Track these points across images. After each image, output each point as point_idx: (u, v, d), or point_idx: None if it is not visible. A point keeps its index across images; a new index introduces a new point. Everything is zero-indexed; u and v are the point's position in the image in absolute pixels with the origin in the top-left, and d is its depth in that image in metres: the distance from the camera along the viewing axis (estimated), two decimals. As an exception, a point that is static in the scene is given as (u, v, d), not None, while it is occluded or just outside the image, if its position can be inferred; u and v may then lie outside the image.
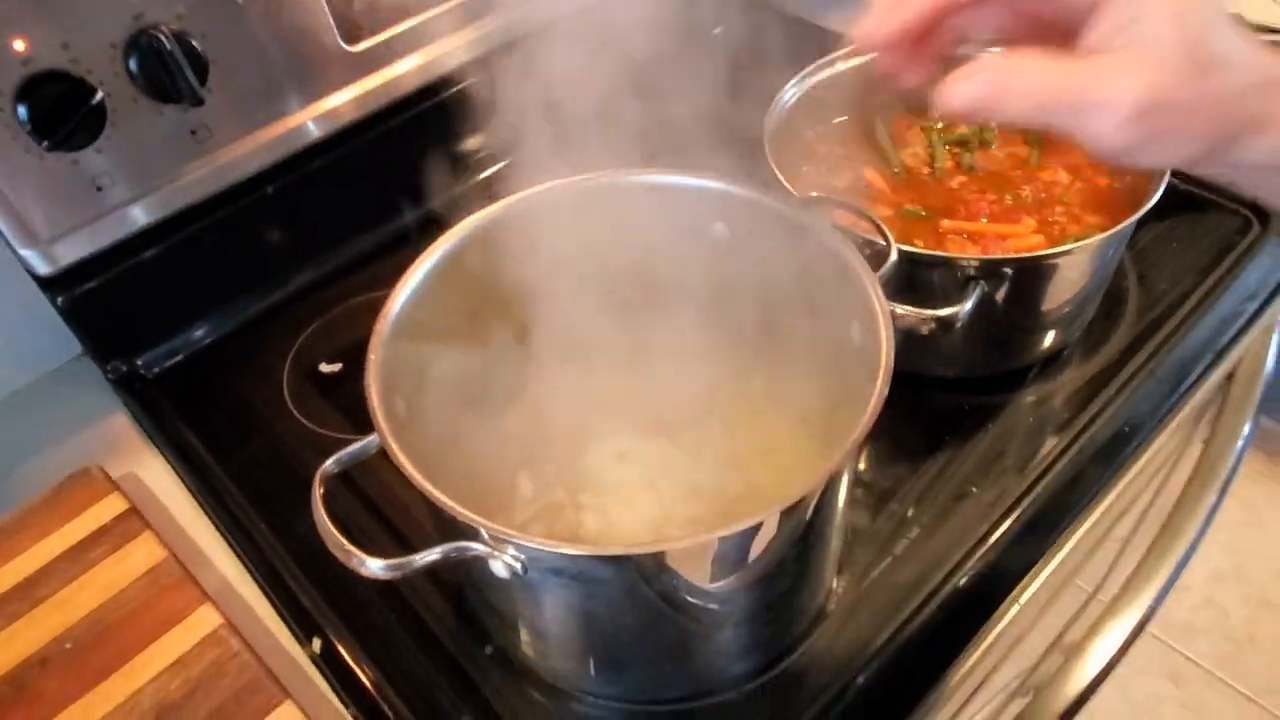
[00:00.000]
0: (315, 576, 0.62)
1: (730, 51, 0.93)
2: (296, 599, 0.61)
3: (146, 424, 0.73)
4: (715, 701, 0.55)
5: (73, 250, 0.69)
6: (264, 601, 0.62)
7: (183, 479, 0.69)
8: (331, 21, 0.74)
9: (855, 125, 0.81)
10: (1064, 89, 0.37)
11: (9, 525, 0.63)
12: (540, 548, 0.43)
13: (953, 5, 0.41)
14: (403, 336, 0.54)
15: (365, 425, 0.72)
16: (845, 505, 0.54)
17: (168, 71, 0.65)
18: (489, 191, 0.72)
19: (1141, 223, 0.72)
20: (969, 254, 0.68)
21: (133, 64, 0.65)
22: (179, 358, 0.78)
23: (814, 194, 0.62)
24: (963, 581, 0.60)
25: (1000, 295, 0.64)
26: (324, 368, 0.77)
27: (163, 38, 0.64)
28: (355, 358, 0.77)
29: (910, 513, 0.64)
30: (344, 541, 0.45)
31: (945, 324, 0.59)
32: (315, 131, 0.77)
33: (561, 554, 0.44)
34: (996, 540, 0.62)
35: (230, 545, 0.65)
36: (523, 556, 0.44)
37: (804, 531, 0.49)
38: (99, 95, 0.63)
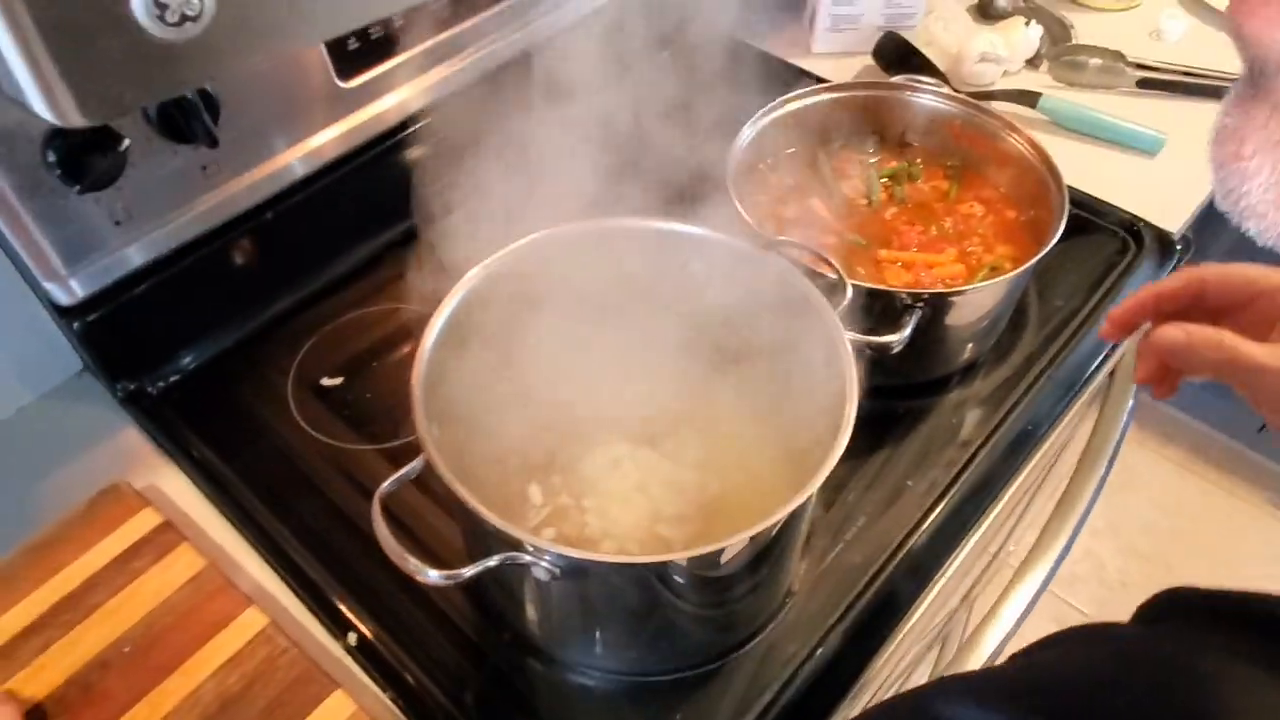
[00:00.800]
0: (341, 577, 0.70)
1: (681, 75, 1.02)
2: (327, 598, 0.69)
3: (161, 438, 0.78)
4: (702, 671, 0.66)
5: (92, 282, 0.73)
6: (295, 601, 0.69)
7: (200, 488, 0.75)
8: (328, 60, 0.80)
9: (801, 157, 0.91)
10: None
11: (49, 540, 0.68)
12: (574, 556, 0.52)
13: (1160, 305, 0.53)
14: (432, 374, 0.61)
15: (370, 435, 0.80)
16: (810, 511, 0.65)
17: (185, 116, 0.70)
18: (473, 210, 0.80)
19: (1041, 246, 0.84)
20: (903, 280, 0.79)
21: (151, 110, 0.70)
22: (183, 375, 0.83)
23: (779, 237, 0.71)
24: (903, 559, 0.71)
25: (930, 319, 0.75)
26: (325, 381, 0.83)
27: (181, 85, 0.69)
28: (355, 371, 0.85)
29: (858, 504, 0.75)
30: (406, 554, 0.53)
31: (888, 349, 0.70)
32: (312, 162, 0.83)
33: (591, 560, 0.54)
34: (930, 524, 0.74)
35: (257, 551, 0.72)
36: (560, 565, 0.53)
37: (778, 537, 0.59)
38: (125, 143, 0.68)
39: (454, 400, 0.64)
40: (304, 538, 0.72)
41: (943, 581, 0.73)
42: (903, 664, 0.90)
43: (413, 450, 0.57)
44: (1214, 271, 0.52)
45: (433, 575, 0.53)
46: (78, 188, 0.67)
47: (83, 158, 0.67)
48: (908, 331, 0.71)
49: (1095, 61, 1.12)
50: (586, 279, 0.70)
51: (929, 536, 0.73)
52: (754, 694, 0.65)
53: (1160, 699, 0.29)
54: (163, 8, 0.36)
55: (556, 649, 0.66)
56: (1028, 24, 1.13)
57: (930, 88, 0.89)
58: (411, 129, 0.90)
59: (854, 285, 0.68)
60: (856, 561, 0.71)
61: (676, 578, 0.57)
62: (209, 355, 0.84)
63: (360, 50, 0.82)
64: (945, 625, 1.03)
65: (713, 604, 0.62)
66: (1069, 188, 0.95)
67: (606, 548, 0.64)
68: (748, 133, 0.84)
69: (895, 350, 0.70)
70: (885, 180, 0.88)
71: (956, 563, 0.74)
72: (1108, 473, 0.95)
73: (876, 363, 0.80)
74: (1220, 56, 1.15)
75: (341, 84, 0.82)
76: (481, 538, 0.56)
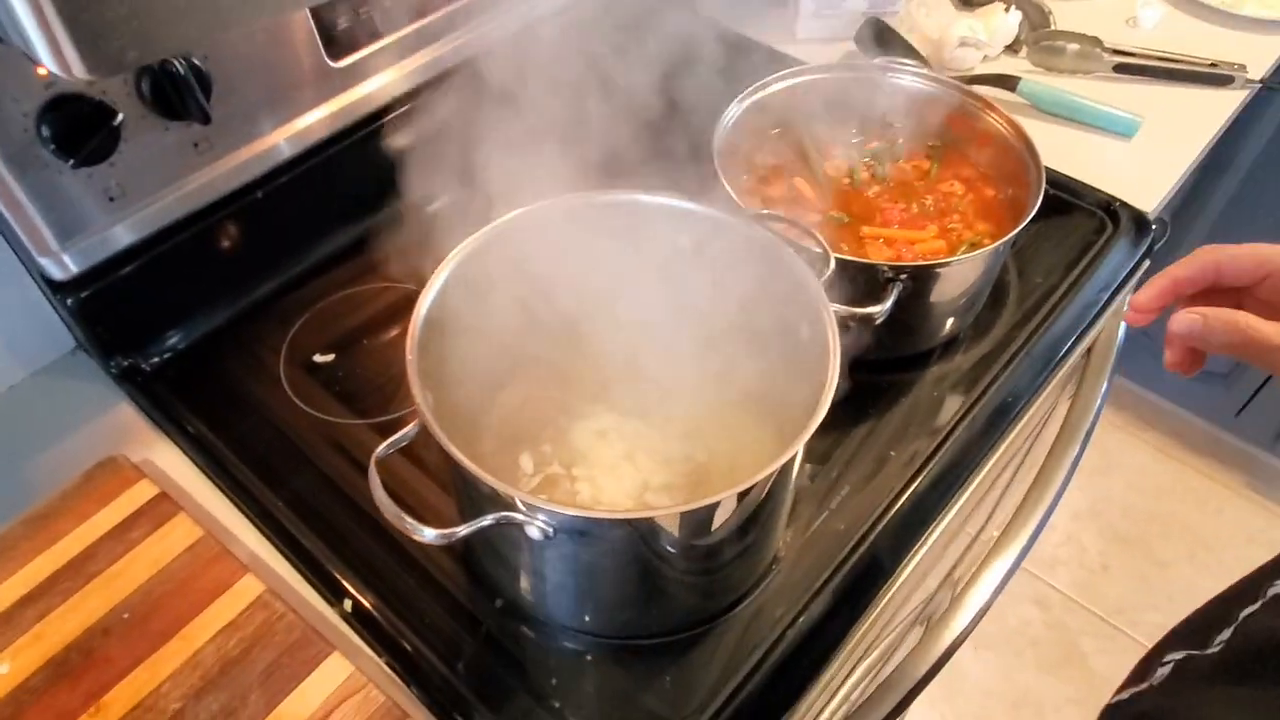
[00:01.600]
0: (336, 546, 0.71)
1: (666, 60, 1.03)
2: (321, 565, 0.70)
3: (155, 413, 0.79)
4: (691, 635, 0.68)
5: (85, 257, 0.74)
6: (291, 570, 0.70)
7: (195, 462, 0.76)
8: (319, 41, 0.81)
9: (786, 138, 0.93)
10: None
11: (47, 511, 0.69)
12: (566, 512, 0.54)
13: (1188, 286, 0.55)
14: (425, 343, 0.62)
15: (361, 410, 0.82)
16: (794, 477, 0.66)
17: (178, 92, 0.71)
18: (462, 189, 0.81)
19: (1020, 225, 0.86)
20: (885, 256, 0.81)
21: (145, 86, 0.70)
22: (176, 352, 0.84)
23: (764, 211, 0.73)
24: (886, 526, 0.73)
25: (911, 292, 0.77)
26: (317, 358, 0.84)
27: (175, 61, 0.70)
28: (346, 347, 0.86)
29: (842, 474, 0.77)
30: (402, 513, 0.55)
31: (871, 320, 0.72)
32: (302, 141, 0.84)
33: (584, 517, 0.55)
34: (911, 494, 0.76)
35: (251, 521, 0.73)
36: (554, 522, 0.54)
37: (765, 500, 0.61)
38: (119, 118, 0.69)
39: (446, 373, 0.65)
40: (298, 509, 0.73)
41: (925, 548, 0.75)
42: (887, 640, 0.92)
43: (405, 424, 0.58)
44: (1227, 253, 0.54)
45: (428, 534, 0.54)
46: (72, 162, 0.68)
47: (77, 132, 0.68)
48: (889, 303, 0.73)
49: (1073, 47, 1.14)
50: (575, 253, 0.71)
51: (911, 504, 0.75)
52: (741, 657, 0.66)
53: None
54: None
55: (547, 613, 0.67)
56: (1007, 10, 1.16)
57: (911, 69, 0.91)
58: (401, 110, 0.91)
59: (837, 258, 0.70)
60: (840, 529, 0.73)
61: (666, 539, 0.58)
62: (201, 332, 0.85)
63: (351, 30, 0.83)
64: (927, 606, 1.05)
65: (701, 567, 0.64)
66: (1047, 168, 0.97)
67: (597, 514, 0.66)
68: (733, 112, 0.86)
69: (878, 321, 0.72)
70: (868, 160, 0.90)
71: (939, 530, 0.76)
72: (1083, 450, 0.96)
73: (860, 337, 0.82)
74: (1194, 42, 1.18)
75: (332, 64, 0.83)
76: (475, 499, 0.58)
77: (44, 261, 0.72)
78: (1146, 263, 0.98)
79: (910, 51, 1.12)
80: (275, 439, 0.79)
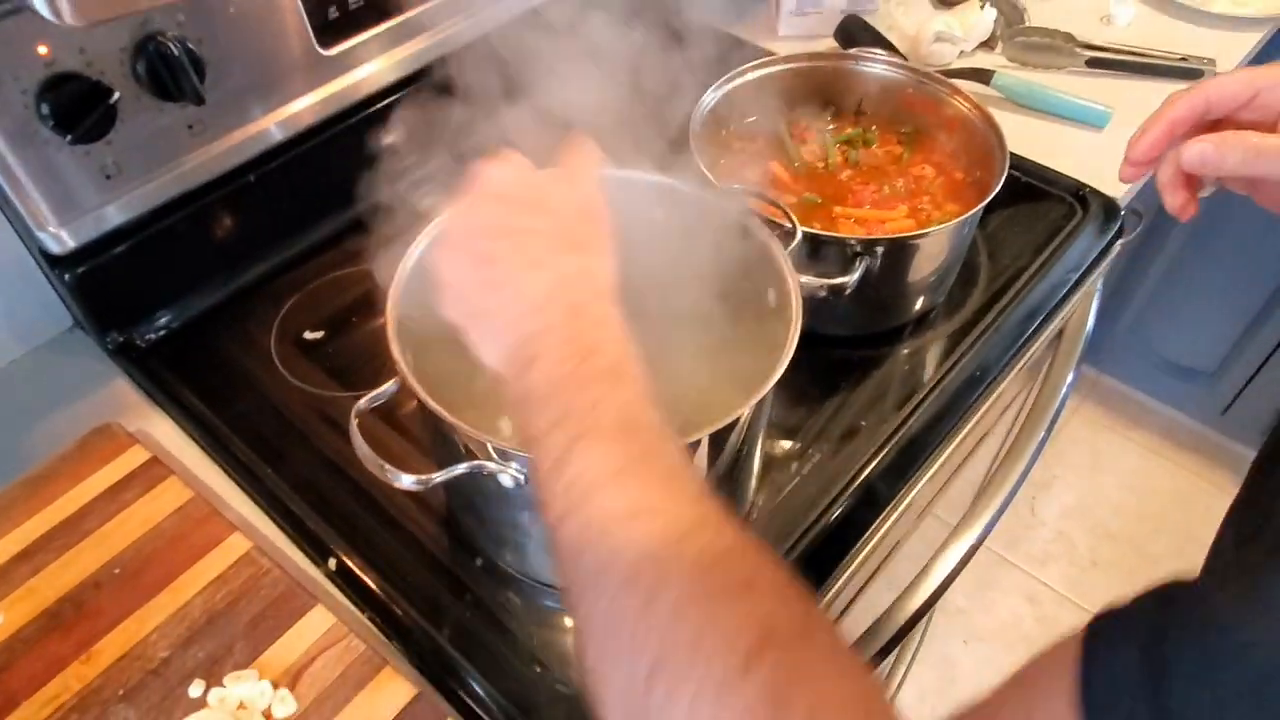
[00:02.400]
0: (319, 509, 0.73)
1: (651, 54, 1.06)
2: (307, 527, 0.72)
3: (149, 387, 0.82)
4: (665, 591, 0.70)
5: (82, 232, 0.77)
6: (278, 533, 0.73)
7: (188, 433, 0.79)
8: (309, 29, 0.84)
9: (763, 125, 0.96)
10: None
11: (43, 474, 0.72)
12: (539, 462, 0.56)
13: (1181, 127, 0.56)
14: (404, 304, 0.65)
15: (349, 384, 0.84)
16: (762, 436, 0.69)
17: (172, 73, 0.74)
18: (449, 176, 0.84)
19: (991, 209, 0.89)
20: (856, 234, 0.84)
21: (141, 67, 0.74)
22: (170, 329, 0.86)
23: (735, 186, 0.76)
24: (856, 491, 0.76)
25: (880, 268, 0.79)
26: (308, 335, 0.87)
27: (170, 44, 0.73)
28: (336, 326, 0.89)
29: (812, 444, 0.79)
30: (382, 462, 0.57)
31: (838, 290, 0.75)
32: (293, 126, 0.87)
33: (556, 467, 0.57)
34: (879, 463, 0.78)
35: (241, 487, 0.75)
36: (525, 470, 0.57)
37: (734, 452, 0.63)
38: (115, 96, 0.72)
39: (425, 344, 0.67)
40: (286, 475, 0.76)
41: (895, 515, 0.77)
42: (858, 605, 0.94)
43: (391, 394, 0.61)
44: (1213, 83, 0.55)
45: (406, 480, 0.57)
46: (69, 138, 0.71)
47: (75, 110, 0.71)
48: (856, 275, 0.75)
49: (1046, 42, 1.17)
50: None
51: (882, 470, 0.77)
52: (712, 612, 0.68)
53: None
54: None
55: (525, 569, 0.70)
56: (982, 7, 1.19)
57: (882, 58, 0.94)
58: (390, 98, 0.94)
59: (806, 231, 0.73)
60: (811, 493, 0.76)
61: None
62: (196, 310, 0.88)
63: (341, 19, 0.86)
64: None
65: (672, 523, 0.66)
66: (1020, 156, 1.00)
67: (572, 474, 0.68)
68: (710, 98, 0.89)
69: (847, 292, 0.75)
70: (841, 145, 0.93)
71: (906, 501, 0.78)
72: (1049, 433, 0.98)
73: (833, 313, 0.85)
74: (1166, 38, 1.21)
75: (322, 51, 0.86)
76: (451, 450, 0.60)
77: (42, 236, 0.75)
78: (1116, 246, 1.00)
79: (888, 47, 1.15)
80: (265, 411, 0.81)
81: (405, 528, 0.73)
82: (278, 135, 0.86)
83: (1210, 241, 1.66)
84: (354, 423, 0.58)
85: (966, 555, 0.86)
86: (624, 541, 0.37)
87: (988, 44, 1.21)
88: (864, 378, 0.85)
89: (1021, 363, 0.91)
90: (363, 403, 0.60)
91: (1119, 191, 1.02)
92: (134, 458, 0.73)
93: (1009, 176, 0.81)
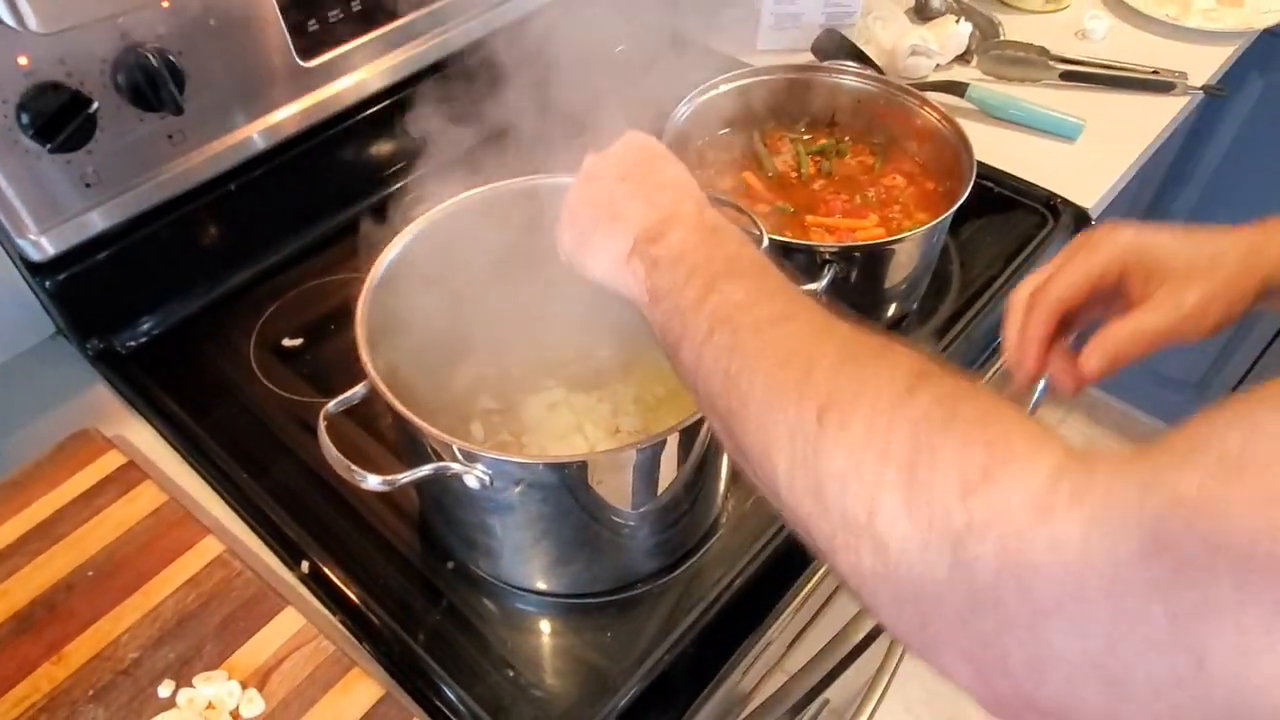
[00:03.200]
0: (295, 513, 0.74)
1: (631, 67, 1.08)
2: (282, 531, 0.73)
3: (129, 393, 0.82)
4: (636, 593, 0.70)
5: (62, 240, 0.78)
6: (253, 537, 0.73)
7: (167, 439, 0.80)
8: (289, 41, 0.85)
9: (737, 136, 0.97)
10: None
11: (19, 479, 0.72)
12: (501, 458, 0.57)
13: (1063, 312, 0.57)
14: (375, 312, 0.66)
15: (326, 390, 0.85)
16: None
17: (152, 84, 0.75)
18: (421, 188, 0.85)
19: (963, 218, 0.91)
20: (826, 242, 0.85)
21: (120, 77, 0.75)
22: (151, 335, 0.87)
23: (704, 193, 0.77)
24: (823, 497, 0.76)
25: (851, 275, 0.80)
26: (286, 342, 0.88)
27: (149, 55, 0.74)
28: (314, 334, 0.90)
29: (783, 448, 0.80)
30: (349, 463, 0.58)
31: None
32: (273, 136, 0.88)
33: (517, 462, 0.59)
34: (849, 466, 0.79)
35: (217, 492, 0.76)
36: (490, 471, 0.57)
37: (701, 451, 0.64)
38: (94, 105, 0.73)
39: (400, 351, 0.68)
40: (262, 480, 0.76)
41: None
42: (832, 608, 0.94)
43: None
44: (1060, 284, 0.56)
45: (372, 480, 0.57)
46: (49, 147, 0.72)
47: (55, 119, 0.72)
48: (825, 282, 0.77)
49: (1021, 56, 1.19)
50: (523, 233, 0.75)
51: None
52: (679, 615, 0.69)
53: None
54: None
55: (495, 572, 0.70)
56: (958, 21, 1.21)
57: (854, 70, 0.96)
58: (370, 109, 0.95)
59: (775, 239, 0.74)
60: (781, 497, 0.76)
61: (602, 490, 0.61)
62: (176, 318, 0.89)
63: (321, 31, 0.88)
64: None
65: (640, 522, 0.67)
66: (992, 167, 1.02)
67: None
68: (684, 109, 0.90)
69: (817, 298, 0.76)
70: (814, 155, 0.94)
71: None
72: None
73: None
74: (1140, 53, 1.23)
75: (302, 63, 0.87)
76: (418, 451, 0.61)
77: (22, 243, 0.76)
78: (1088, 256, 1.01)
79: (865, 61, 1.17)
80: (243, 416, 0.82)
81: (378, 532, 0.74)
82: (258, 145, 0.88)
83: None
84: (322, 424, 0.59)
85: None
86: (777, 335, 0.42)
87: (963, 58, 1.22)
88: (836, 384, 0.85)
89: (994, 369, 0.92)
90: (331, 405, 0.60)
91: (1090, 201, 1.03)
92: (110, 462, 0.74)
93: (982, 187, 0.83)
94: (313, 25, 0.87)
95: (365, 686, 0.62)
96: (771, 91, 0.96)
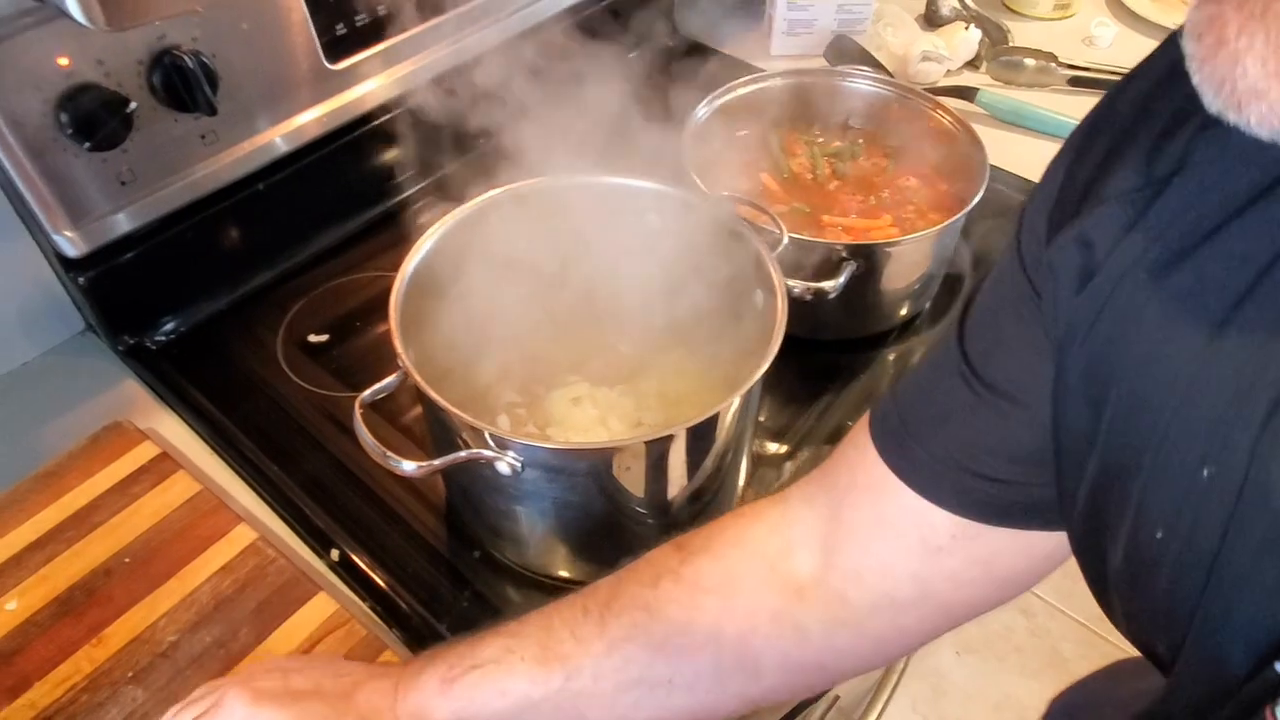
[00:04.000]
0: (323, 503, 0.76)
1: (647, 72, 1.10)
2: (311, 521, 0.75)
3: (159, 387, 0.84)
4: (656, 582, 0.72)
5: (97, 236, 0.80)
6: (283, 526, 0.75)
7: (197, 431, 0.81)
8: (318, 44, 0.87)
9: (754, 138, 0.99)
10: None
11: (55, 469, 0.74)
12: (533, 444, 0.59)
13: None
14: (404, 307, 0.67)
15: (352, 384, 0.87)
16: (751, 432, 0.71)
17: (187, 85, 0.77)
18: (448, 189, 0.87)
19: (976, 221, 0.93)
20: (843, 241, 0.87)
21: (156, 78, 0.77)
22: (180, 332, 0.89)
23: (725, 193, 0.79)
24: (840, 489, 0.78)
25: (865, 273, 0.82)
26: (313, 338, 0.89)
27: (184, 56, 0.76)
28: (340, 329, 0.92)
29: (800, 444, 0.82)
30: (384, 449, 0.60)
31: (824, 294, 0.77)
32: (300, 137, 0.90)
33: (549, 449, 0.60)
34: (865, 460, 0.80)
35: (248, 483, 0.78)
36: (521, 457, 0.59)
37: (721, 446, 0.66)
38: (132, 105, 0.75)
39: (427, 347, 0.70)
40: (291, 471, 0.78)
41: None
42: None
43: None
44: None
45: (407, 466, 0.59)
46: (87, 145, 0.74)
47: (93, 119, 0.74)
48: (843, 279, 0.78)
49: (1030, 62, 1.21)
50: (550, 231, 0.77)
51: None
52: (703, 602, 0.71)
53: None
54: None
55: (521, 560, 0.72)
56: (968, 28, 1.23)
57: (868, 75, 0.98)
58: (394, 111, 0.97)
59: (793, 236, 0.76)
60: (799, 490, 0.78)
61: (630, 477, 0.63)
62: (205, 314, 0.91)
63: (348, 34, 0.90)
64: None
65: (665, 511, 0.68)
66: (1003, 170, 1.04)
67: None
68: (703, 111, 0.92)
69: (831, 295, 0.78)
70: (829, 157, 0.96)
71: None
72: None
73: (821, 318, 0.88)
74: (1145, 58, 1.25)
75: (330, 66, 0.89)
76: (450, 438, 0.63)
77: (58, 239, 0.78)
78: (1097, 257, 1.03)
79: (876, 66, 1.19)
80: (271, 410, 0.84)
81: (405, 521, 0.75)
82: (286, 146, 0.89)
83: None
84: (358, 412, 0.61)
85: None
86: None
87: (973, 63, 1.24)
88: (851, 381, 0.87)
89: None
90: (367, 394, 0.62)
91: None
92: (144, 453, 0.75)
93: (993, 190, 0.85)
94: (340, 29, 0.89)
95: (397, 669, 0.63)
96: (787, 95, 0.98)
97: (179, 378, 0.85)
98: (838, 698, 1.06)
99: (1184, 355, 0.33)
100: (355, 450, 0.79)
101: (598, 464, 0.61)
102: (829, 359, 0.89)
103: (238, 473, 0.78)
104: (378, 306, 0.94)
